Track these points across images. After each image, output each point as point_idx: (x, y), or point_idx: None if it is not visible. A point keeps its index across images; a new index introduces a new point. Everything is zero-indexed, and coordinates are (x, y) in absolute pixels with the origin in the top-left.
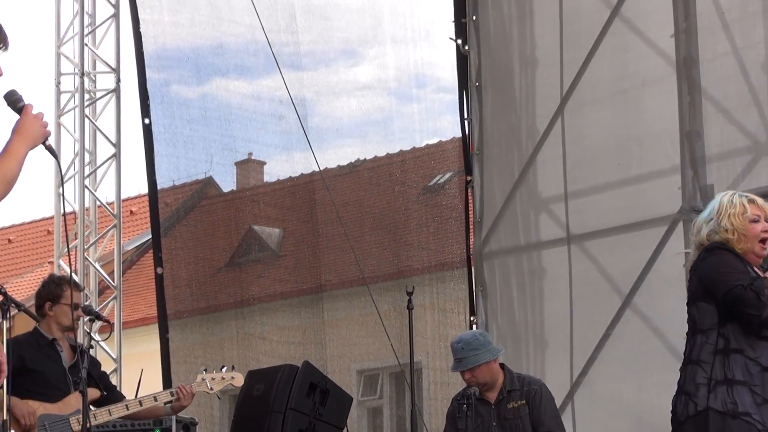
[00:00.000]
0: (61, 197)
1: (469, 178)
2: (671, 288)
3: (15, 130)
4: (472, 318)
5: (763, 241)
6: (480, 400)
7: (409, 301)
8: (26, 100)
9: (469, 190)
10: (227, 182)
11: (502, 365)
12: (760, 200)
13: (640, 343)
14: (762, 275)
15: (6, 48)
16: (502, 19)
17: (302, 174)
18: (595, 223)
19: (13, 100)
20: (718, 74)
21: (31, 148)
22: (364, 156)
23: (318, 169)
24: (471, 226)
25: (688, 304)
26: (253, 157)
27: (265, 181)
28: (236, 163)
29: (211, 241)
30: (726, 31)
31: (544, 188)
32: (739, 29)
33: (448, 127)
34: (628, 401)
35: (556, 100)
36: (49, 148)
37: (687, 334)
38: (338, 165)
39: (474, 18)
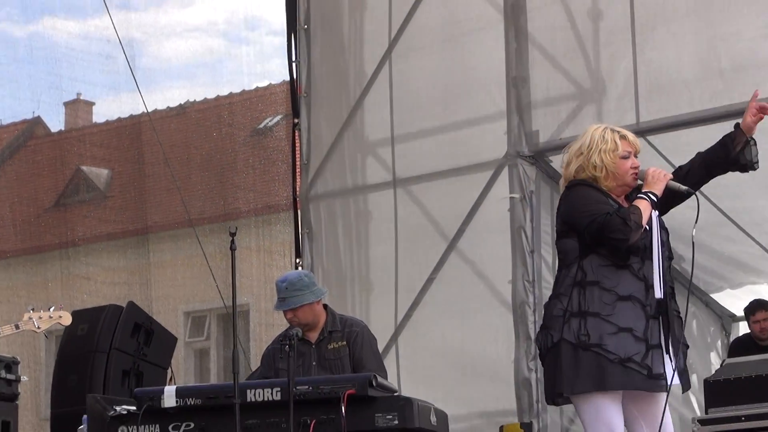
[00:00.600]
0: None
1: (296, 120)
2: (496, 233)
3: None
4: (297, 260)
5: (633, 175)
6: (301, 340)
7: (232, 242)
8: None
9: (296, 133)
10: (55, 122)
11: (325, 306)
12: (631, 135)
13: (464, 287)
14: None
15: None
16: None
17: (131, 115)
18: (422, 168)
19: None
20: (545, 21)
21: None
22: (192, 98)
23: (146, 111)
24: (298, 169)
25: (555, 241)
26: (81, 97)
27: (93, 121)
28: (64, 103)
29: (38, 181)
30: None
31: (371, 132)
32: None
33: (278, 71)
34: (451, 344)
35: (384, 45)
36: None
37: (557, 270)
38: (167, 107)
39: None
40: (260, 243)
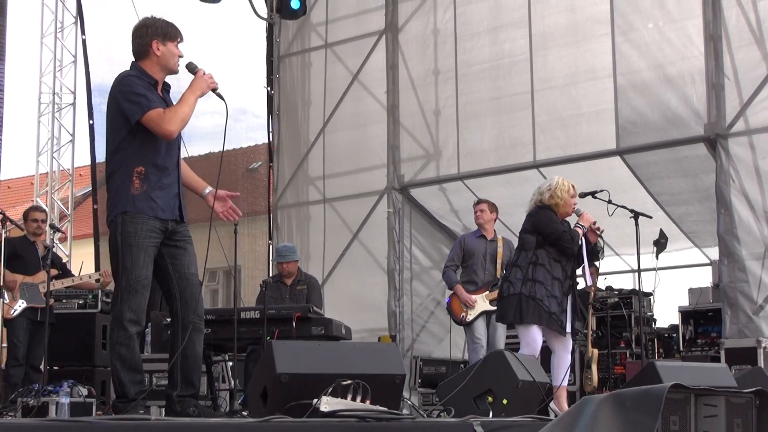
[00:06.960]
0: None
1: (271, 164)
2: None
3: (189, 86)
4: (269, 241)
5: (572, 208)
6: (282, 282)
7: (235, 230)
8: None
9: (270, 171)
10: None
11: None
12: (574, 187)
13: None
14: (572, 227)
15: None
16: None
17: None
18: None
19: (191, 68)
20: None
21: (200, 96)
22: (211, 150)
23: (186, 154)
24: (271, 190)
25: (520, 232)
26: None
27: None
28: None
29: None
30: None
31: (312, 172)
32: None
33: (262, 137)
34: (357, 292)
35: (320, 124)
36: (218, 95)
37: (516, 249)
38: (198, 154)
39: None
40: (249, 230)
